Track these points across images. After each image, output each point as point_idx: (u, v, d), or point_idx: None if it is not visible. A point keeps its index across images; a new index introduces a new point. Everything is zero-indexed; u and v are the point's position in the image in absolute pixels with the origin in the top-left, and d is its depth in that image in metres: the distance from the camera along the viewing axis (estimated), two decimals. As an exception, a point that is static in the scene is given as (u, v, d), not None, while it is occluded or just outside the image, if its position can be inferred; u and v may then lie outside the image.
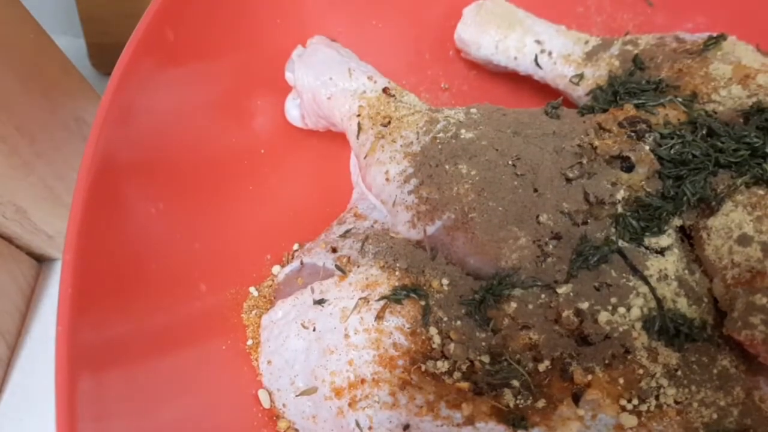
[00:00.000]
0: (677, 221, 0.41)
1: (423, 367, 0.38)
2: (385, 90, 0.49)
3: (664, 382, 0.36)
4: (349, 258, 0.44)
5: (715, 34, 0.48)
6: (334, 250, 0.46)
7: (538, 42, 0.54)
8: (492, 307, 0.39)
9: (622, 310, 0.37)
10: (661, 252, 0.40)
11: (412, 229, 0.44)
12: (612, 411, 0.35)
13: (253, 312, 0.47)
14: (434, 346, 0.38)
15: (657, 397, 0.36)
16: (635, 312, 0.37)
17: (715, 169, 0.40)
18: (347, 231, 0.48)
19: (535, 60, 0.54)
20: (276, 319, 0.44)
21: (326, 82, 0.50)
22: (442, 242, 0.43)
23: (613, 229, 0.41)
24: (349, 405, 0.38)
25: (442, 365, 0.38)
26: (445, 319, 0.39)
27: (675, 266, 0.39)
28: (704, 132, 0.42)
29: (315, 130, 0.54)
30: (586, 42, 0.53)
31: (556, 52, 0.53)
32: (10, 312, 0.56)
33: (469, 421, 0.36)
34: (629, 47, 0.51)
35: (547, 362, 0.37)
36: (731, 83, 0.45)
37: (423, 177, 0.43)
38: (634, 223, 0.41)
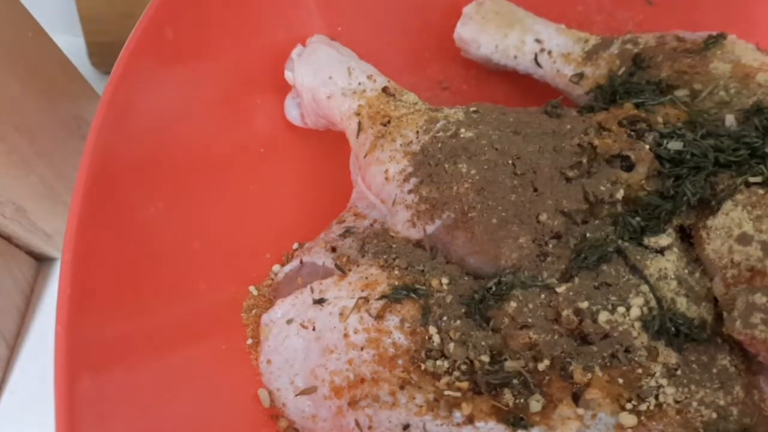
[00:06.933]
0: (677, 221, 0.41)
1: (423, 367, 0.38)
2: (384, 89, 0.49)
3: (664, 381, 0.36)
4: (348, 257, 0.44)
5: (715, 33, 0.48)
6: (333, 250, 0.46)
7: (537, 41, 0.54)
8: (492, 306, 0.39)
9: (621, 309, 0.37)
10: (661, 251, 0.40)
11: (412, 228, 0.44)
12: (612, 410, 0.35)
13: (253, 311, 0.47)
14: (434, 345, 0.38)
15: (657, 397, 0.36)
16: (635, 311, 0.37)
17: (715, 169, 0.40)
18: (347, 230, 0.48)
19: (535, 59, 0.54)
20: (275, 318, 0.44)
21: (326, 81, 0.50)
22: (442, 241, 0.43)
23: (612, 229, 0.41)
24: (349, 404, 0.38)
25: (442, 364, 0.37)
26: (445, 318, 0.39)
27: (675, 266, 0.39)
28: (704, 131, 0.42)
29: (315, 129, 0.54)
30: (586, 41, 0.53)
31: (555, 51, 0.53)
32: (10, 311, 0.56)
33: (469, 420, 0.36)
34: (629, 46, 0.50)
35: (546, 361, 0.37)
36: (731, 82, 0.45)
37: (423, 176, 0.43)
38: (633, 222, 0.40)
